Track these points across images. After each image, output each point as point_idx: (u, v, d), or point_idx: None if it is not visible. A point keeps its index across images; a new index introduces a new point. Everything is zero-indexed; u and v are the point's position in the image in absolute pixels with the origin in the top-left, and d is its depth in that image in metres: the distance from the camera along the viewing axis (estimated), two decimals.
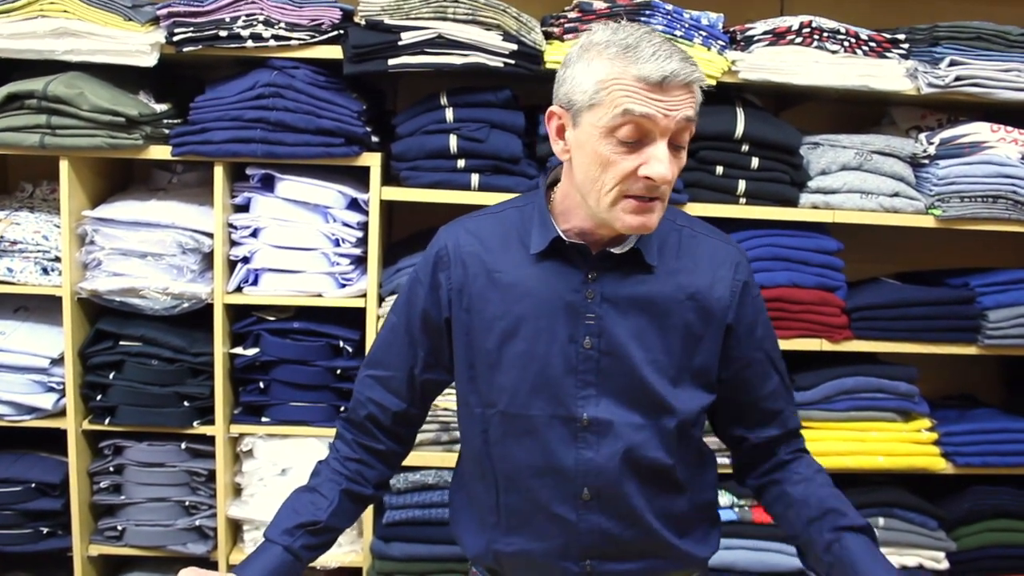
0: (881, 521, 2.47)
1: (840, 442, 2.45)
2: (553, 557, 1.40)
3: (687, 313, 1.37)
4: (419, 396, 1.49)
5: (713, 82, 2.26)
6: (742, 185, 2.35)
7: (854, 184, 2.39)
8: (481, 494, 1.45)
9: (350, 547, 2.46)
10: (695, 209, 2.29)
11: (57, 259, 2.33)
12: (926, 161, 2.46)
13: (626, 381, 1.36)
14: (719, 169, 2.35)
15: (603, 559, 1.41)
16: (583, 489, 1.37)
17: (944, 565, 2.51)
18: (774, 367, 1.47)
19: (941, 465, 2.50)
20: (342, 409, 1.50)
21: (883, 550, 2.40)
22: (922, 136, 2.48)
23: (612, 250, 1.35)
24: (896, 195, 2.41)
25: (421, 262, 1.45)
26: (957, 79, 2.33)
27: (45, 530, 2.43)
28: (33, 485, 2.39)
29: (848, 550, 1.33)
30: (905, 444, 2.48)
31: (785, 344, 2.39)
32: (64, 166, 2.25)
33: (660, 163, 1.21)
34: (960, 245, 2.66)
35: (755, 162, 2.35)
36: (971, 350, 2.50)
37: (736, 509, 2.43)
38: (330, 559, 2.42)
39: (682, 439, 1.40)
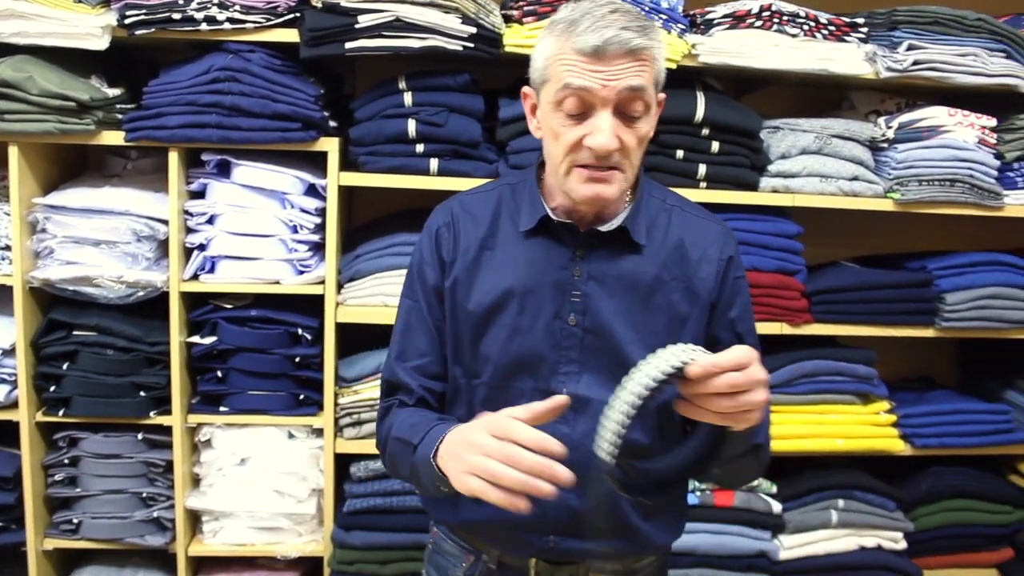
0: (840, 503, 2.50)
1: (800, 425, 2.47)
2: (519, 529, 1.42)
3: (673, 293, 1.39)
4: None
5: (673, 65, 2.25)
6: (702, 169, 2.35)
7: (814, 168, 2.40)
8: None
9: (311, 536, 2.44)
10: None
11: (7, 248, 2.28)
12: (885, 145, 2.48)
13: (609, 359, 1.37)
14: (679, 153, 2.34)
15: (567, 535, 1.42)
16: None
17: (902, 545, 2.55)
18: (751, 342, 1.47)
19: (899, 447, 2.52)
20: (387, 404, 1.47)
21: (842, 531, 2.47)
22: (881, 120, 2.49)
23: (599, 228, 1.37)
24: (855, 179, 2.42)
25: (423, 243, 1.47)
26: (915, 63, 2.34)
27: None
28: None
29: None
30: (864, 426, 2.50)
31: None
32: (13, 152, 2.20)
33: (601, 133, 1.23)
34: (918, 229, 2.69)
35: (715, 146, 2.34)
36: (929, 332, 2.52)
37: (697, 493, 2.44)
38: (290, 549, 2.40)
39: (660, 420, 1.41)
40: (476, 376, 1.42)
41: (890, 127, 2.46)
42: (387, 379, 1.49)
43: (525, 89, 1.37)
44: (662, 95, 1.34)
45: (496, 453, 1.10)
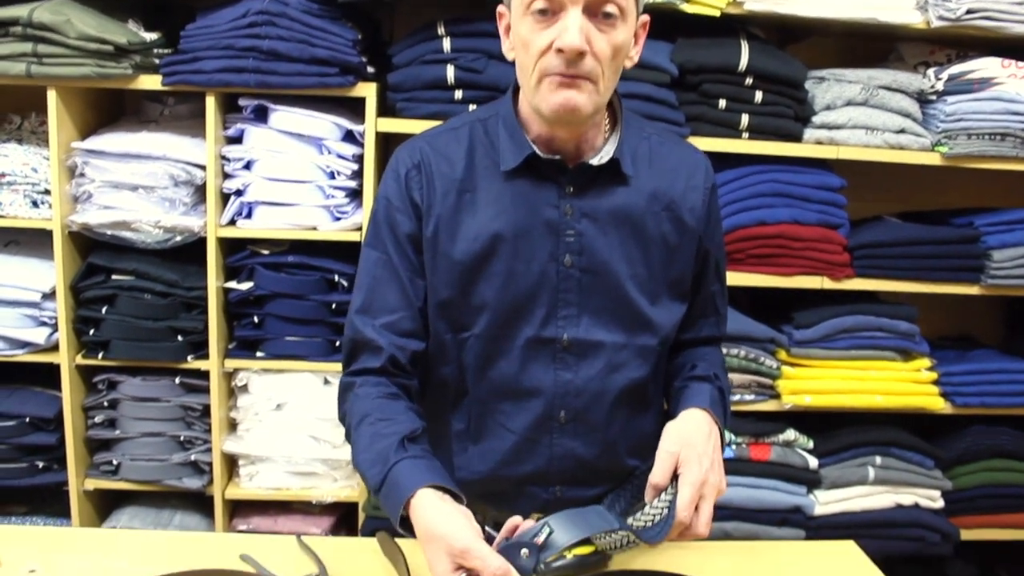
0: (878, 460, 2.47)
1: (839, 380, 2.44)
2: (523, 483, 1.39)
3: (663, 224, 1.35)
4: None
5: (717, 13, 2.20)
6: (745, 119, 2.30)
7: (859, 120, 2.34)
8: (452, 424, 1.40)
9: (345, 482, 2.46)
10: (696, 143, 2.24)
11: (47, 192, 2.29)
12: (933, 97, 2.41)
13: (608, 299, 1.33)
14: (722, 103, 2.30)
15: (572, 484, 1.39)
16: (560, 412, 1.35)
17: (939, 504, 2.52)
18: (717, 274, 1.46)
19: (939, 405, 2.49)
20: (344, 372, 1.34)
21: (879, 488, 2.45)
22: (930, 71, 2.42)
23: (591, 162, 1.31)
24: (902, 131, 2.37)
25: (388, 188, 1.35)
26: (968, 12, 2.26)
27: (41, 464, 2.43)
28: (27, 419, 2.39)
29: (682, 392, 1.35)
30: (904, 383, 2.47)
31: (786, 281, 2.38)
32: (52, 96, 2.20)
33: (569, 32, 1.16)
34: (965, 184, 2.63)
35: (759, 96, 2.29)
36: (973, 290, 2.47)
37: (733, 447, 2.42)
38: (325, 494, 2.42)
39: (660, 357, 1.39)
40: (466, 329, 1.34)
41: (939, 79, 2.39)
42: (350, 338, 1.35)
43: (500, 8, 1.29)
44: (645, 16, 1.28)
45: None
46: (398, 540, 1.26)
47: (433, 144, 1.36)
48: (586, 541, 1.13)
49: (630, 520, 1.19)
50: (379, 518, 2.38)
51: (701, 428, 1.27)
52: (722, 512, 2.40)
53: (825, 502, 2.45)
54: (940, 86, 2.39)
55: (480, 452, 1.39)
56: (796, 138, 2.35)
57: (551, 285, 1.32)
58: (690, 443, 1.22)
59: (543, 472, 1.38)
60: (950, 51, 2.55)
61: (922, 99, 2.41)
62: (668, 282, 1.37)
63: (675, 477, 1.21)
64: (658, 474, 1.21)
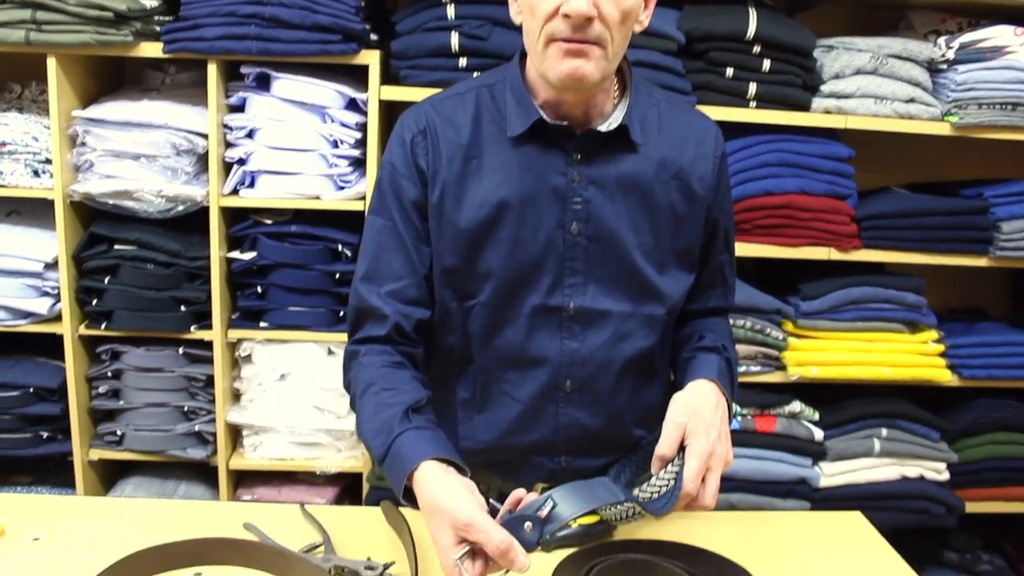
0: (884, 432, 2.46)
1: (845, 352, 2.43)
2: (528, 452, 1.38)
3: (672, 192, 1.32)
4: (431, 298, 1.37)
5: None
6: (752, 88, 2.28)
7: (868, 89, 2.31)
8: (457, 392, 1.39)
9: (350, 452, 2.45)
10: (703, 112, 2.22)
11: (48, 161, 2.28)
12: (944, 66, 2.38)
13: (615, 268, 1.31)
14: (729, 71, 2.27)
15: (577, 454, 1.38)
16: (566, 381, 1.34)
17: (945, 476, 2.51)
18: (725, 243, 1.44)
19: (946, 377, 2.48)
20: (350, 340, 1.33)
21: (884, 460, 2.45)
22: (941, 40, 2.39)
23: (599, 128, 1.28)
24: (912, 101, 2.34)
25: (394, 154, 1.33)
26: None
27: (45, 434, 2.43)
28: (31, 390, 2.38)
29: (689, 363, 1.34)
30: (911, 355, 2.46)
31: (793, 252, 2.37)
32: (52, 64, 2.18)
33: None
34: (975, 155, 2.61)
35: (767, 64, 2.27)
36: (982, 262, 2.45)
37: (739, 418, 2.42)
38: (329, 464, 2.42)
39: (667, 326, 1.38)
40: (471, 297, 1.33)
41: (950, 47, 2.36)
42: (355, 306, 1.34)
43: None
44: None
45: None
46: (402, 509, 1.25)
47: (439, 109, 1.33)
48: (591, 512, 1.12)
49: (636, 491, 1.18)
50: (383, 488, 2.38)
51: (708, 399, 1.25)
52: (727, 484, 2.38)
53: (830, 474, 2.44)
54: (951, 55, 2.36)
55: (485, 421, 1.38)
56: (804, 107, 2.32)
57: (557, 253, 1.30)
58: (697, 414, 1.21)
59: (549, 442, 1.37)
60: (961, 19, 2.52)
61: (932, 68, 2.38)
62: (676, 251, 1.35)
63: (682, 448, 1.20)
64: (665, 445, 1.20)
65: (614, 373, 1.34)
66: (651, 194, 1.31)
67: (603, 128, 1.28)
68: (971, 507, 2.57)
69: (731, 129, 2.26)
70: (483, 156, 1.30)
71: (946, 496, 2.50)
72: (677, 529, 1.34)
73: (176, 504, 1.49)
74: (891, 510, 2.47)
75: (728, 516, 1.47)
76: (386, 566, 1.17)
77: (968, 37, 2.35)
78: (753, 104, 2.30)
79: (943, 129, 2.36)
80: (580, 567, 1.18)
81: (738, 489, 2.41)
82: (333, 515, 1.33)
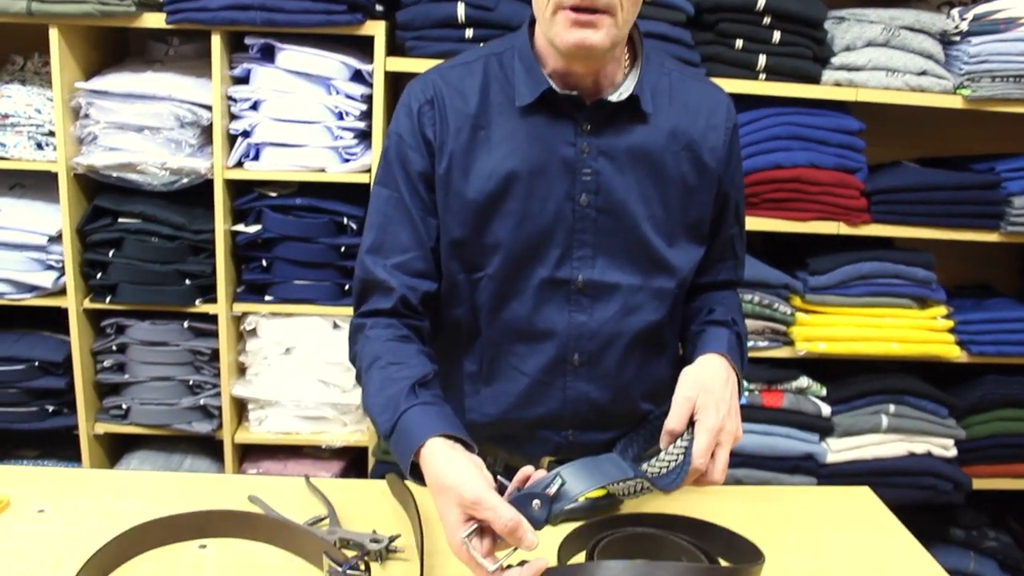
0: (891, 408, 2.45)
1: (853, 328, 2.41)
2: (535, 426, 1.37)
3: (683, 164, 1.30)
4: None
5: None
6: (762, 60, 2.25)
7: (880, 61, 2.28)
8: (464, 365, 1.38)
9: (355, 427, 2.45)
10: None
11: (51, 134, 2.26)
12: (957, 38, 2.35)
13: (624, 240, 1.29)
14: (738, 43, 2.24)
15: (585, 428, 1.37)
16: (574, 355, 1.32)
17: (952, 452, 2.50)
18: (736, 216, 1.42)
19: (955, 353, 2.46)
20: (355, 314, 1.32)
21: (892, 437, 2.44)
22: (954, 11, 2.36)
23: (609, 98, 1.26)
24: (924, 73, 2.31)
25: (400, 124, 1.31)
26: None
27: (50, 408, 2.43)
28: (36, 363, 2.38)
29: (699, 337, 1.32)
30: (920, 331, 2.44)
31: (801, 227, 2.35)
32: (54, 35, 2.15)
33: None
34: (988, 129, 2.57)
35: (776, 36, 2.24)
36: (993, 237, 2.43)
37: (746, 394, 2.41)
38: (335, 438, 2.42)
39: (676, 300, 1.36)
40: (479, 269, 1.31)
41: (964, 19, 2.32)
42: (361, 278, 1.32)
43: None
44: None
45: (462, 556, 1.01)
46: (407, 483, 1.24)
47: (446, 78, 1.31)
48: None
49: (644, 466, 1.17)
50: (389, 463, 2.38)
51: (719, 374, 1.24)
52: (734, 459, 2.37)
53: (837, 450, 2.43)
54: (964, 26, 2.33)
55: (492, 394, 1.36)
56: (814, 79, 2.30)
57: (566, 225, 1.28)
58: (707, 389, 1.20)
59: (556, 415, 1.36)
60: None
61: (945, 40, 2.35)
62: (686, 224, 1.33)
63: (691, 423, 1.18)
64: (674, 420, 1.18)
65: (622, 347, 1.33)
66: (661, 165, 1.29)
67: (613, 98, 1.26)
68: (978, 484, 2.56)
69: (740, 101, 2.23)
70: (491, 126, 1.28)
71: (953, 473, 2.49)
72: (684, 503, 1.33)
73: (181, 477, 1.49)
74: (898, 486, 2.46)
75: (736, 490, 1.46)
76: (391, 539, 1.17)
77: (982, 8, 2.32)
78: (763, 76, 2.27)
79: (955, 102, 2.33)
80: (587, 541, 1.17)
81: (744, 465, 2.40)
82: (338, 488, 1.33)
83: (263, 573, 1.13)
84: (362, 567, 1.06)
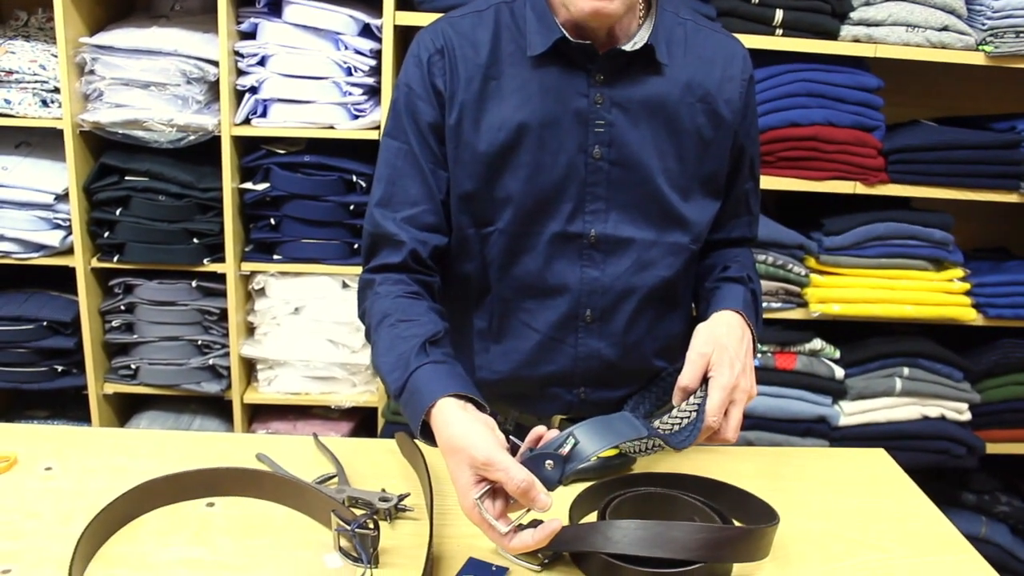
0: (905, 371, 2.43)
1: (868, 289, 2.38)
2: (546, 384, 1.35)
3: (698, 116, 1.27)
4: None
5: None
6: (779, 15, 2.20)
7: (900, 16, 2.23)
8: (474, 322, 1.36)
9: (365, 387, 2.44)
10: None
11: (56, 90, 2.24)
12: None
13: (638, 194, 1.26)
14: None
15: (596, 386, 1.35)
16: (586, 311, 1.30)
17: (966, 416, 2.48)
18: (751, 171, 1.39)
19: (971, 316, 2.43)
20: (363, 269, 1.32)
21: (905, 400, 2.41)
22: None
23: (623, 48, 1.22)
24: (945, 29, 2.25)
25: (410, 74, 1.27)
26: None
27: (60, 368, 2.43)
28: (45, 323, 2.37)
29: (713, 294, 1.30)
30: (936, 294, 2.41)
31: (817, 186, 2.31)
32: None
33: None
34: (1009, 87, 2.52)
35: None
36: (1012, 198, 2.38)
37: (759, 356, 2.38)
38: (344, 399, 2.41)
39: (691, 255, 1.33)
40: (489, 223, 1.28)
41: None
42: (370, 232, 1.29)
43: None
44: None
45: (474, 518, 0.99)
46: (417, 442, 1.23)
47: (457, 28, 1.27)
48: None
49: (657, 424, 1.15)
50: (399, 423, 2.37)
51: (733, 331, 1.21)
52: (746, 421, 2.33)
53: (850, 413, 2.41)
54: None
55: (503, 351, 1.34)
56: (832, 35, 2.24)
57: (579, 178, 1.25)
58: (722, 345, 1.17)
59: (567, 373, 1.33)
60: None
61: None
62: (701, 177, 1.30)
63: (704, 380, 1.16)
64: (688, 376, 1.16)
65: (635, 303, 1.31)
66: (676, 117, 1.26)
67: (627, 48, 1.23)
68: (991, 448, 2.54)
69: (756, 57, 2.13)
70: (502, 76, 1.24)
71: (967, 437, 2.47)
72: (697, 462, 1.31)
73: (188, 435, 1.48)
74: (911, 450, 2.44)
75: (749, 451, 1.44)
76: (401, 497, 1.15)
77: None
78: (779, 32, 2.22)
79: (977, 59, 2.27)
80: (599, 500, 1.15)
81: (756, 427, 2.39)
82: (347, 447, 1.31)
83: (271, 531, 1.12)
84: (371, 525, 1.04)
